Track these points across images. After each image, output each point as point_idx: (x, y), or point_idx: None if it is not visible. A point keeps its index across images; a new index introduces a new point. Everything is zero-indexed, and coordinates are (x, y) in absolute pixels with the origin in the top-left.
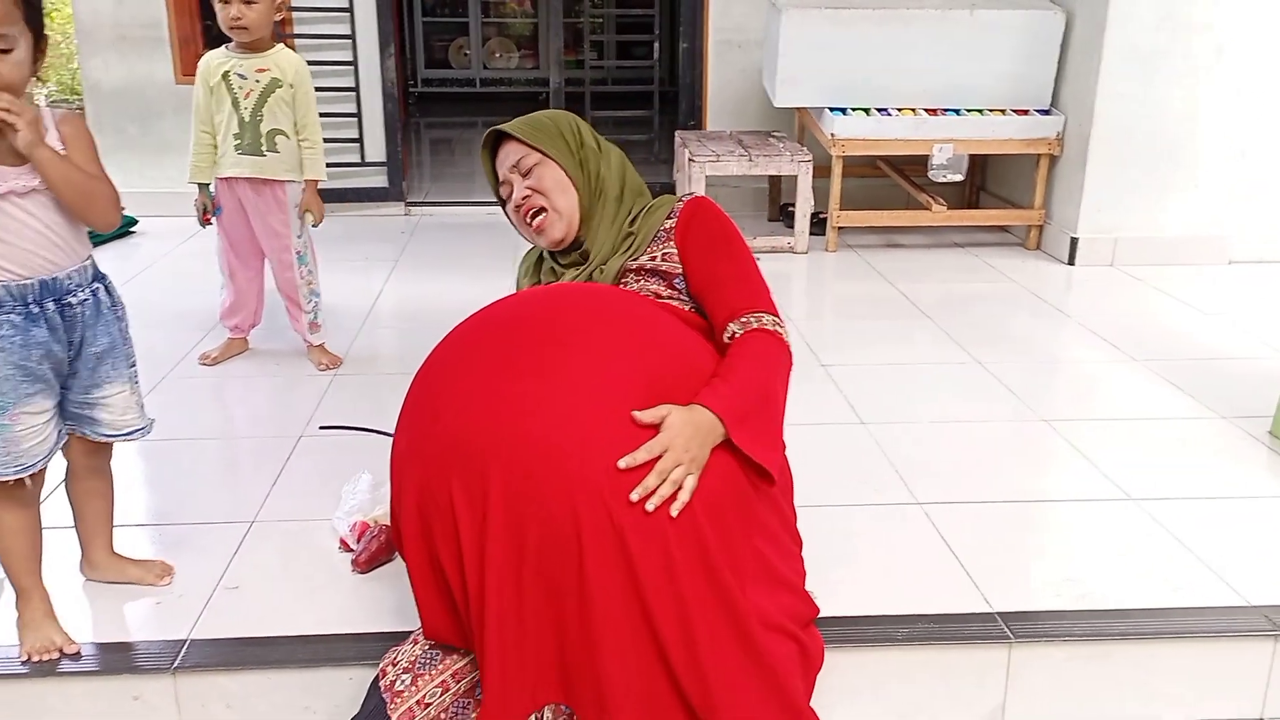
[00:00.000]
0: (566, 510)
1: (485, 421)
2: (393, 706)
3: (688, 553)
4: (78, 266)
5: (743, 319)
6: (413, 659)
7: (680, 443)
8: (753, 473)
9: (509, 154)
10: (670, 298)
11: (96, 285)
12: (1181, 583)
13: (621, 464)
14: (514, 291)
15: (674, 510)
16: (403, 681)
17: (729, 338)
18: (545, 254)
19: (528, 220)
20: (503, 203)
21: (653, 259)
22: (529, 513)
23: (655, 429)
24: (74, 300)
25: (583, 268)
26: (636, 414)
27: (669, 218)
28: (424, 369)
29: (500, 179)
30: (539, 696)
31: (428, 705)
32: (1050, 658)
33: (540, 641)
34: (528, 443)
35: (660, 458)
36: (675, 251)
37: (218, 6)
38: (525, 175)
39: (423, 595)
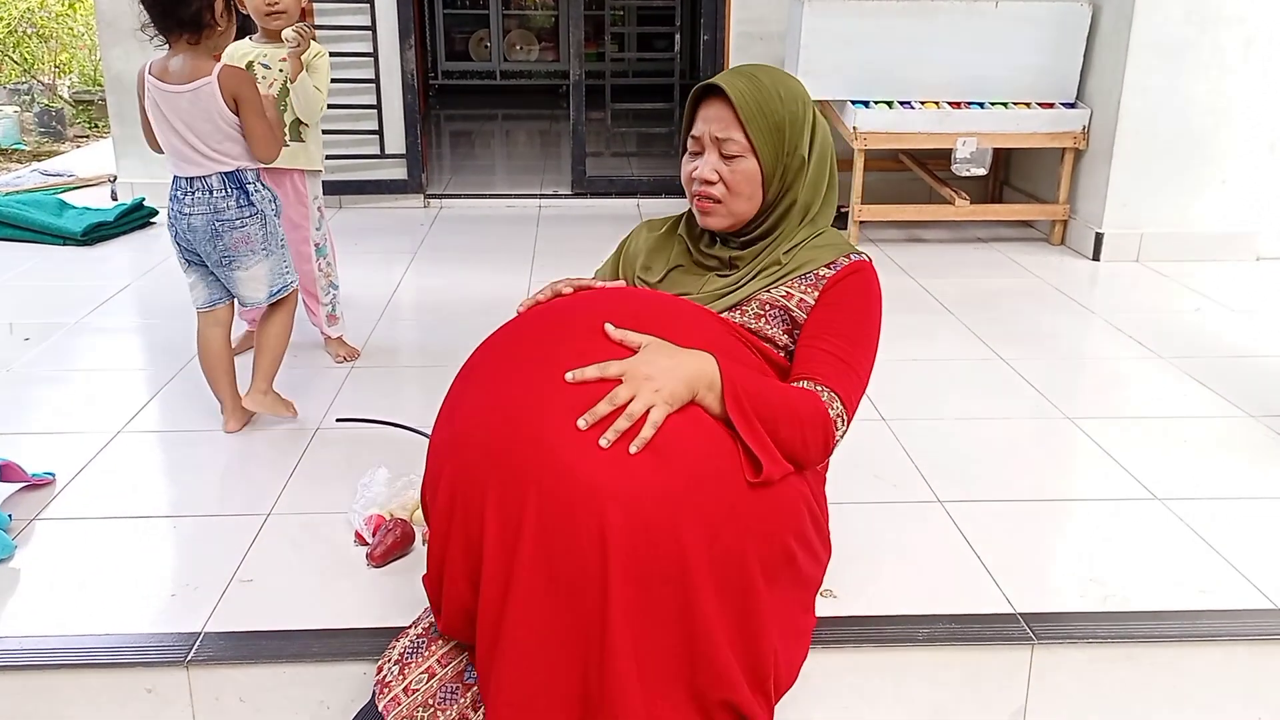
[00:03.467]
0: (596, 542)
1: (530, 442)
2: (380, 696)
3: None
4: None
5: (816, 386)
6: (403, 650)
7: (643, 369)
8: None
9: (720, 118)
10: (774, 343)
11: None
12: (1208, 584)
13: (582, 419)
14: (623, 252)
15: (632, 448)
16: (391, 673)
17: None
18: (689, 234)
19: (696, 195)
20: (684, 148)
21: (788, 297)
22: (560, 546)
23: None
24: None
25: (726, 279)
26: (609, 328)
27: (828, 266)
28: (481, 350)
29: (696, 133)
30: None
31: (414, 691)
32: (1074, 660)
33: (557, 675)
34: (567, 476)
35: (617, 383)
36: (813, 301)
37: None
38: (724, 157)
39: (435, 581)
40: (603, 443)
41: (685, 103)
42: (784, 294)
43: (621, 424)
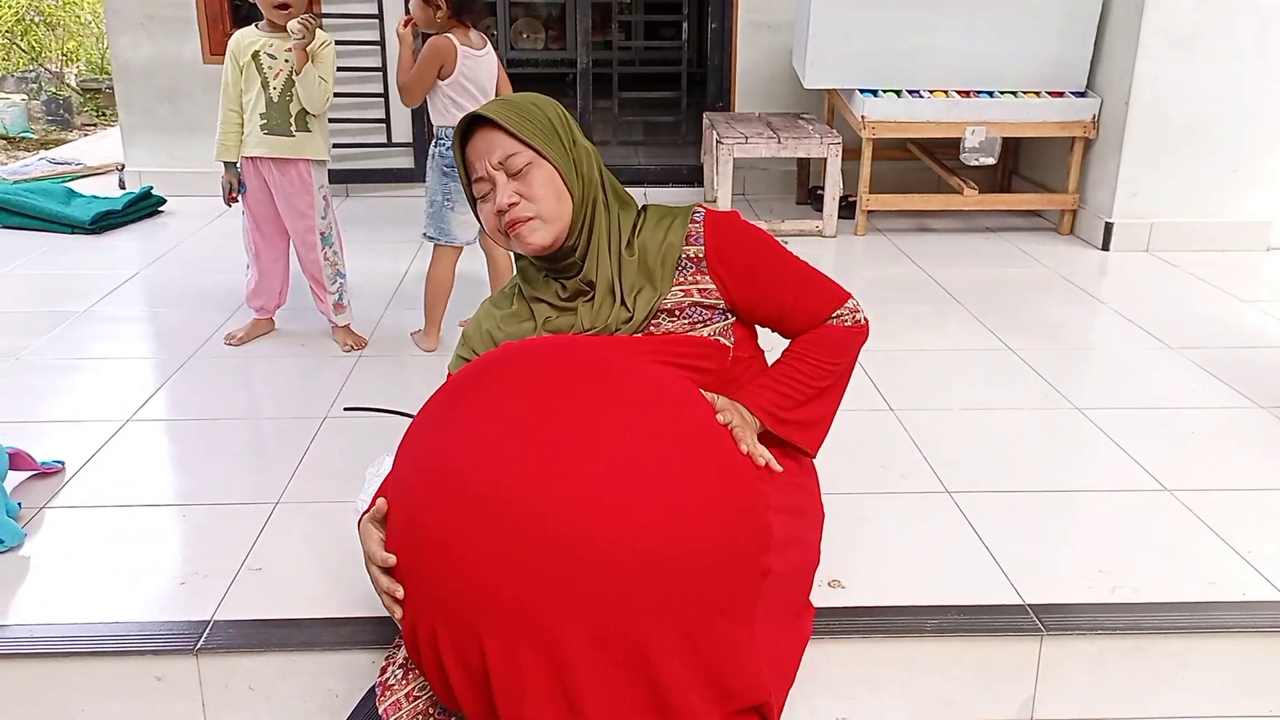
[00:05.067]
0: (554, 666)
1: (472, 560)
2: (381, 699)
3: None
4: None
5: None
6: (407, 654)
7: (739, 417)
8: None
9: (491, 146)
10: (712, 326)
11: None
12: (1218, 576)
13: (721, 419)
14: (472, 339)
15: (777, 466)
16: (395, 676)
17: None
18: (533, 279)
19: (508, 227)
20: (473, 202)
21: (688, 294)
22: (520, 668)
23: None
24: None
25: (592, 299)
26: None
27: (690, 243)
28: (425, 431)
29: (477, 174)
30: None
31: (416, 698)
32: (1082, 651)
33: None
34: (515, 596)
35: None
36: (713, 287)
37: None
38: (513, 175)
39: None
40: (760, 462)
41: (691, 91)
42: (682, 293)
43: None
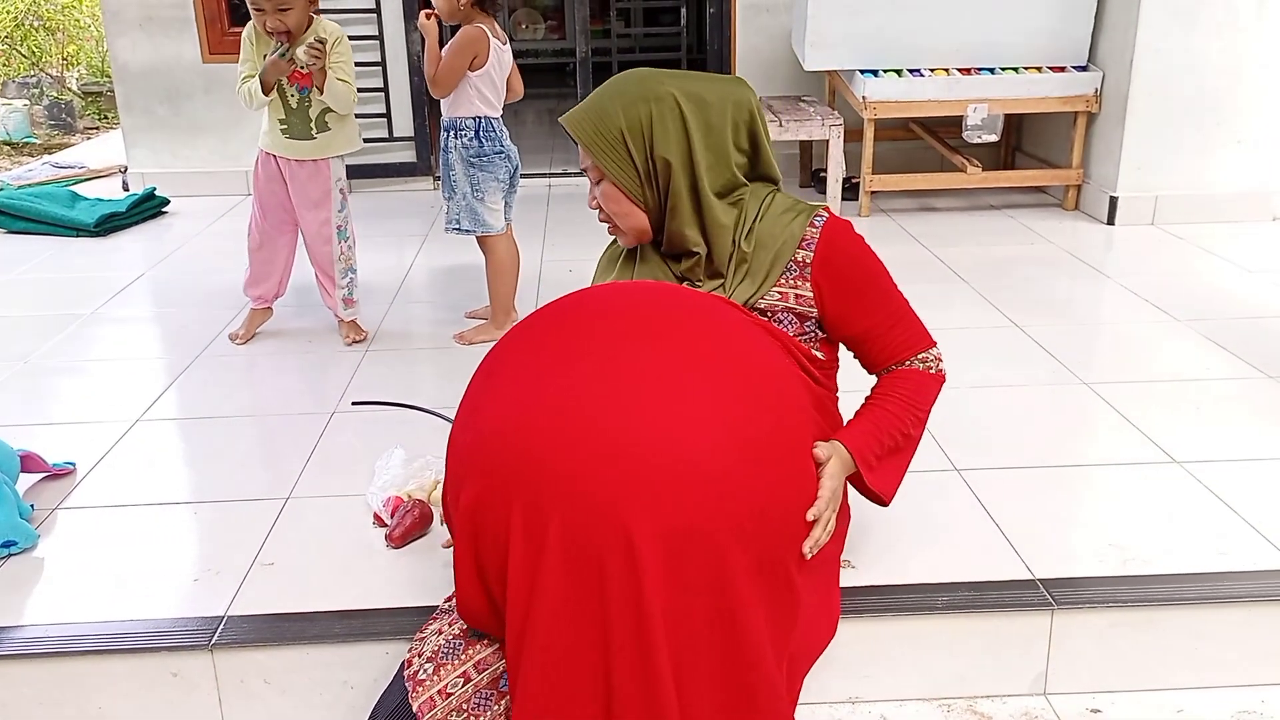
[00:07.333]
0: (624, 553)
1: (555, 450)
2: (414, 695)
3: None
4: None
5: (906, 362)
6: (436, 648)
7: (839, 494)
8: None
9: (581, 149)
10: (799, 335)
11: (446, 133)
12: (1228, 546)
13: (810, 515)
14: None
15: (810, 552)
16: (425, 671)
17: (886, 372)
18: (648, 252)
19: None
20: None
21: (784, 298)
22: (586, 555)
23: (731, 466)
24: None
25: (701, 283)
26: (817, 450)
27: (802, 246)
28: (503, 347)
29: (582, 165)
30: None
31: (449, 695)
32: (1094, 625)
33: (580, 678)
34: (591, 490)
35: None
36: (811, 294)
37: (254, 14)
38: (595, 182)
39: (463, 582)
40: (808, 554)
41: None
42: (778, 296)
43: (825, 540)
